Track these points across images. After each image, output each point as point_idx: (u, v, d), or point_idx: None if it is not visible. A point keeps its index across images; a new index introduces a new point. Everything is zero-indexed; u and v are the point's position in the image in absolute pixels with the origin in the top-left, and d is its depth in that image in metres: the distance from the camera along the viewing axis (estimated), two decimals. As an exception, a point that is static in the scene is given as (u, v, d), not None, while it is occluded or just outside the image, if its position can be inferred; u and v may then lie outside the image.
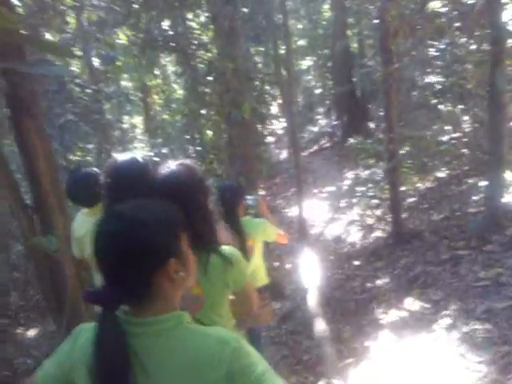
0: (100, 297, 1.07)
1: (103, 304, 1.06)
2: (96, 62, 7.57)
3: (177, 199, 1.61)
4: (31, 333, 5.05)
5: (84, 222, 2.75)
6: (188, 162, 1.83)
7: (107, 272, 1.07)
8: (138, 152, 2.12)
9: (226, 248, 1.74)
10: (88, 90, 6.70)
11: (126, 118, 12.43)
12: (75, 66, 8.61)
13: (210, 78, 7.21)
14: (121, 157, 2.00)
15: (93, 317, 3.97)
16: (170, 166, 1.76)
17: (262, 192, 10.61)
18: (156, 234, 1.05)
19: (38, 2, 6.06)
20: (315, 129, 14.77)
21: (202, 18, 9.02)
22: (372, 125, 11.64)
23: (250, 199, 3.34)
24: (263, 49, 10.66)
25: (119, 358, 1.02)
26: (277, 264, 7.14)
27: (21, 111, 3.75)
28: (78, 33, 6.44)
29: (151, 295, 1.07)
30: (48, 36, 6.84)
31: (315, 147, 13.57)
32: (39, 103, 4.03)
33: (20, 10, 5.83)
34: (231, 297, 1.83)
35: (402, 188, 6.59)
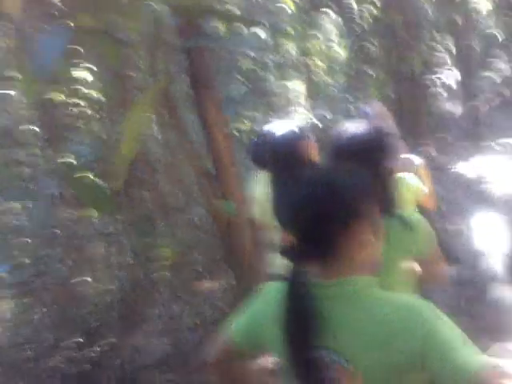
0: (291, 254, 1.11)
1: (294, 261, 1.11)
2: (263, 32, 7.76)
3: (358, 161, 1.61)
4: (215, 286, 5.63)
5: (262, 186, 2.91)
6: (371, 122, 1.80)
7: (298, 233, 1.11)
8: (296, 121, 2.16)
9: (408, 212, 1.69)
10: (256, 61, 6.95)
11: (289, 83, 12.62)
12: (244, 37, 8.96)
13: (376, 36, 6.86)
14: (276, 129, 2.08)
15: (267, 275, 4.26)
16: (355, 125, 1.74)
17: (431, 149, 9.92)
18: (345, 197, 1.06)
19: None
20: (494, 78, 13.09)
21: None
22: None
23: (412, 159, 3.19)
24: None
25: (311, 314, 1.05)
26: (448, 226, 6.67)
27: (199, 84, 4.10)
28: (241, 4, 6.67)
29: (339, 257, 1.08)
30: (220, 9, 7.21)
31: (495, 98, 12.07)
32: (215, 78, 4.35)
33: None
34: (417, 268, 1.78)
35: None
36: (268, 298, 1.19)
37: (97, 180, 3.90)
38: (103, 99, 5.32)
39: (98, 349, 4.20)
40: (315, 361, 1.05)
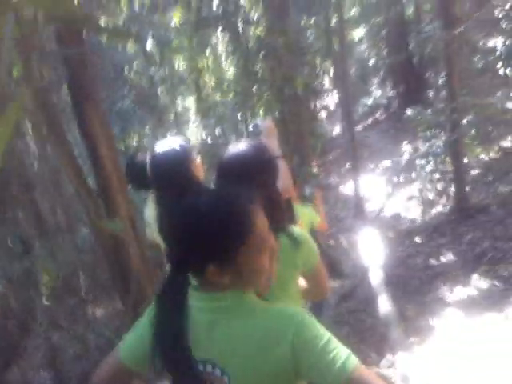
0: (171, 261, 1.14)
1: (173, 268, 1.12)
2: (149, 45, 7.68)
3: (243, 179, 1.62)
4: (100, 312, 5.32)
5: (151, 207, 2.81)
6: (257, 142, 1.81)
7: (174, 254, 1.12)
8: (178, 139, 2.14)
9: (294, 229, 1.72)
10: (143, 76, 6.81)
11: (178, 100, 12.57)
12: (129, 51, 8.77)
13: (262, 54, 7.11)
14: (159, 147, 2.05)
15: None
16: (238, 145, 1.74)
17: (315, 169, 10.49)
18: (220, 221, 1.05)
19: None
20: (369, 101, 14.32)
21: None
22: (431, 94, 11.12)
23: (307, 189, 3.46)
24: (314, 21, 10.38)
25: (177, 316, 1.08)
26: (333, 242, 7.08)
27: (82, 98, 3.87)
28: (131, 17, 6.53)
29: (217, 273, 1.07)
30: (103, 21, 6.99)
31: (370, 120, 13.19)
32: (99, 90, 4.14)
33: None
34: (303, 284, 1.81)
35: (465, 160, 6.28)
36: (151, 313, 1.16)
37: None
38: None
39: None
40: (191, 373, 1.07)
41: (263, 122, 2.31)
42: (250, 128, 2.48)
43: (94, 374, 1.24)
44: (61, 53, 3.44)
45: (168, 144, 2.06)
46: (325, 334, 1.03)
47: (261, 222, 1.10)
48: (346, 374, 0.96)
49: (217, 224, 1.04)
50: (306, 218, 3.12)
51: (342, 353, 0.99)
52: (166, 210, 1.20)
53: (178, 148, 2.03)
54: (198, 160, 2.21)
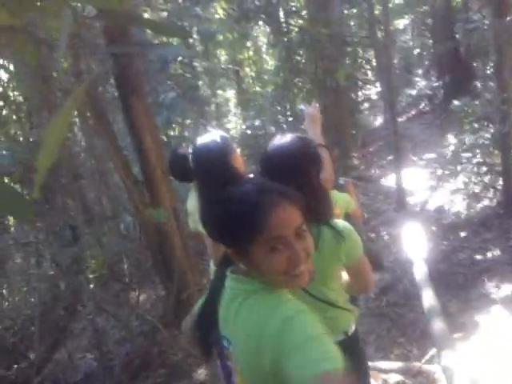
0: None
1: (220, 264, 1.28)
2: (192, 39, 7.76)
3: (287, 171, 1.63)
4: (142, 297, 5.48)
5: (193, 197, 2.88)
6: (302, 135, 1.82)
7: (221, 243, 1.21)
8: (219, 131, 2.17)
9: (338, 221, 1.72)
10: (186, 68, 6.90)
11: (219, 92, 12.67)
12: (174, 43, 8.90)
13: (304, 46, 7.06)
14: (201, 139, 2.10)
15: (199, 285, 4.20)
16: (283, 137, 1.75)
17: (356, 161, 10.35)
18: (249, 213, 1.09)
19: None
20: (414, 92, 13.95)
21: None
22: (478, 85, 10.73)
23: (341, 180, 3.42)
24: (357, 10, 10.19)
25: (214, 305, 1.20)
26: (373, 235, 6.99)
27: (128, 90, 3.98)
28: (176, 10, 6.61)
29: (250, 262, 1.15)
30: (147, 15, 7.12)
31: (414, 112, 12.86)
32: (144, 83, 4.24)
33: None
34: (346, 277, 1.81)
35: (514, 153, 6.04)
36: None
37: (14, 186, 3.65)
38: (22, 100, 5.02)
39: (16, 367, 3.93)
40: (218, 348, 1.18)
41: (308, 107, 2.27)
42: (298, 110, 2.44)
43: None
44: (109, 48, 3.54)
45: (209, 137, 2.11)
46: (312, 334, 1.00)
47: (279, 221, 1.09)
48: (314, 373, 0.92)
49: (229, 214, 1.11)
50: (341, 203, 3.10)
51: (321, 353, 0.97)
52: (206, 199, 1.25)
53: (218, 140, 2.08)
54: (238, 152, 2.25)
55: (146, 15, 7.33)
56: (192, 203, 2.55)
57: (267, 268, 1.10)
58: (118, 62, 3.94)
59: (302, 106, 2.33)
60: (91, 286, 4.23)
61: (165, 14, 7.44)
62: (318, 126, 2.20)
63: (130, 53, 3.91)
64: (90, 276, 4.29)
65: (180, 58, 6.19)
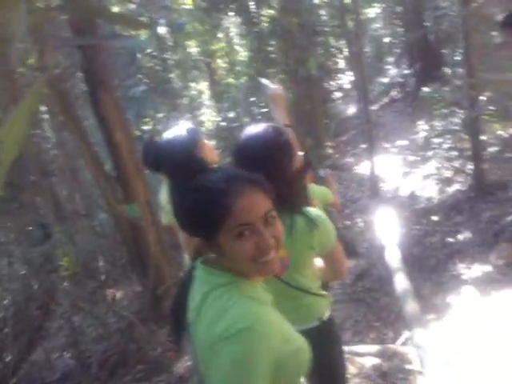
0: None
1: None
2: (162, 30, 7.66)
3: (260, 161, 1.63)
4: (119, 294, 5.43)
5: (165, 191, 2.86)
6: (274, 124, 1.81)
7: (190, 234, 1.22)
8: (186, 123, 2.17)
9: (311, 210, 1.72)
10: (157, 60, 6.81)
11: (192, 84, 12.56)
12: (142, 36, 8.78)
13: (275, 37, 7.04)
14: (167, 133, 2.10)
15: (175, 279, 4.19)
16: (255, 127, 1.75)
17: (329, 150, 10.41)
18: (217, 201, 1.10)
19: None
20: (385, 80, 14.10)
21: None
22: (448, 71, 10.90)
23: (321, 172, 3.47)
24: (327, 0, 10.22)
25: (181, 293, 1.24)
26: (348, 222, 7.07)
27: (96, 84, 3.91)
28: (143, 2, 6.51)
29: (217, 253, 1.17)
30: (114, 8, 6.99)
31: (386, 99, 13.00)
32: (113, 76, 4.17)
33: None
34: (320, 264, 1.83)
35: (483, 137, 6.18)
36: None
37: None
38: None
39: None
40: (187, 336, 1.19)
41: (271, 84, 2.22)
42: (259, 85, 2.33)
43: None
44: (74, 40, 3.47)
45: (175, 129, 2.10)
46: (231, 376, 0.99)
47: (246, 207, 1.09)
48: None
49: (196, 202, 1.11)
50: (320, 197, 3.14)
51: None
52: (175, 191, 1.25)
53: (183, 132, 2.07)
54: (208, 142, 2.23)
55: (113, 8, 7.21)
56: (163, 196, 2.53)
57: (235, 255, 1.10)
58: (85, 56, 3.86)
59: (264, 81, 2.26)
60: (65, 284, 4.17)
61: (133, 6, 7.32)
62: (282, 106, 2.16)
63: (97, 46, 3.84)
64: (64, 274, 4.23)
65: (149, 51, 6.11)
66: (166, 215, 2.52)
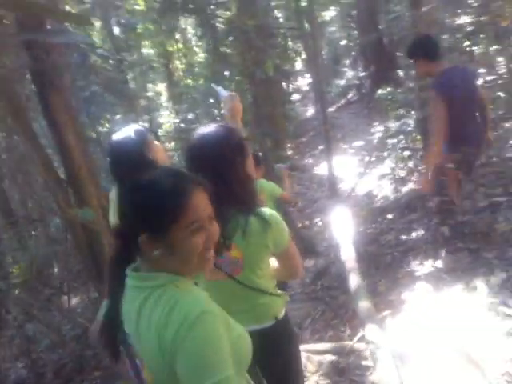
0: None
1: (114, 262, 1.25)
2: (117, 30, 7.52)
3: (211, 160, 1.63)
4: (75, 301, 5.29)
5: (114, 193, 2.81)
6: (227, 124, 1.82)
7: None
8: (134, 125, 2.17)
9: (265, 210, 1.73)
10: (111, 61, 6.69)
11: (150, 85, 12.40)
12: (97, 37, 8.59)
13: (231, 38, 7.05)
14: (115, 135, 2.09)
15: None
16: (207, 127, 1.75)
17: (288, 152, 10.52)
18: (152, 205, 1.11)
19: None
20: (342, 82, 14.38)
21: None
22: (401, 73, 11.22)
23: (276, 167, 3.51)
24: (284, 2, 10.31)
25: (113, 305, 1.19)
26: (308, 222, 7.17)
27: (46, 85, 3.79)
28: (97, 1, 6.37)
29: (148, 256, 1.15)
30: (67, 7, 6.80)
31: (343, 101, 13.26)
32: (63, 77, 4.05)
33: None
34: (275, 264, 1.84)
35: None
36: None
37: None
38: None
39: None
40: (125, 347, 1.17)
41: (226, 92, 2.23)
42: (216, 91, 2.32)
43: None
44: (22, 39, 3.36)
45: (123, 131, 2.09)
46: (205, 356, 1.01)
47: (198, 205, 1.13)
48: None
49: (152, 197, 1.11)
50: (268, 191, 3.18)
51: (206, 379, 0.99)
52: (125, 190, 1.23)
53: (132, 134, 2.07)
54: (157, 143, 2.22)
55: (66, 6, 7.02)
56: (112, 197, 2.49)
57: (187, 251, 1.13)
58: (34, 56, 3.74)
59: (218, 88, 2.27)
60: (16, 291, 4.02)
61: (87, 5, 7.16)
62: (238, 116, 2.18)
63: (47, 46, 3.73)
64: (15, 281, 4.08)
65: (102, 53, 5.98)
66: (114, 216, 2.48)
